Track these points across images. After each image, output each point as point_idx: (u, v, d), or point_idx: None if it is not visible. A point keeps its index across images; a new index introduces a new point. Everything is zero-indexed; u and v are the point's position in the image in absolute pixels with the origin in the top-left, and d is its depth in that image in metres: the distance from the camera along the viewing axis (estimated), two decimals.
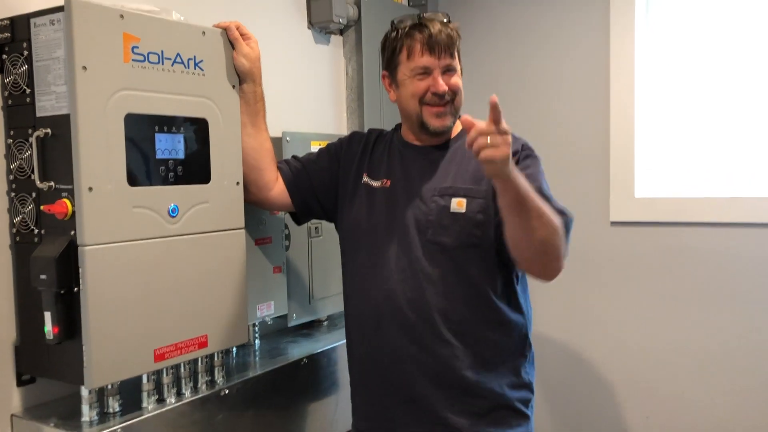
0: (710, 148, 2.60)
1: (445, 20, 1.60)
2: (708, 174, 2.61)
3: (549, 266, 1.50)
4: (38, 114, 1.37)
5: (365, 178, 1.69)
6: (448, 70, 1.59)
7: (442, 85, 1.57)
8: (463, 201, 1.57)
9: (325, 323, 2.20)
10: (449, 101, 1.60)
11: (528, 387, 1.67)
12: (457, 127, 1.68)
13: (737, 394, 2.49)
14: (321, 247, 2.10)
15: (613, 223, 2.68)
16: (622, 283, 2.69)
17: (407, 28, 1.59)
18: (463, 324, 1.58)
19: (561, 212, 1.49)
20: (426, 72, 1.58)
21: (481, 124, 1.30)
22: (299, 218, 1.83)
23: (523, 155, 1.60)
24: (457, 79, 1.60)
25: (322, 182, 1.75)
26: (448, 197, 1.58)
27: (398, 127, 1.76)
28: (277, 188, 1.73)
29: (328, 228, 2.08)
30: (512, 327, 1.63)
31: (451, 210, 1.57)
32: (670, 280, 2.60)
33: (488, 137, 1.29)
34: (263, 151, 1.70)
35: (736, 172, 2.56)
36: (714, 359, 2.53)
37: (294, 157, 1.81)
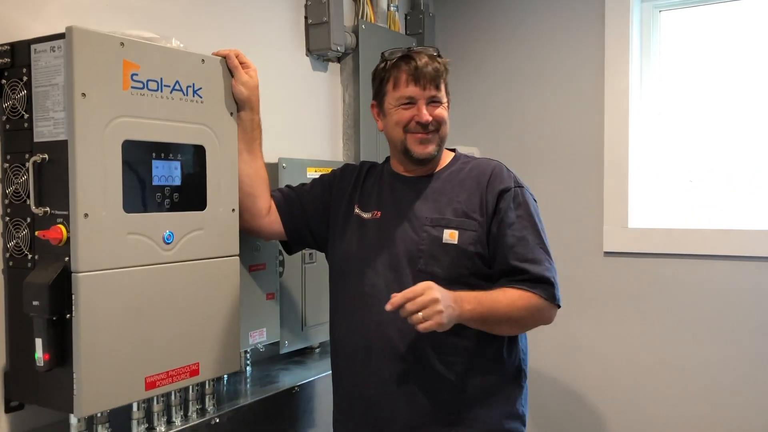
0: (704, 180, 2.63)
1: (434, 54, 1.63)
2: (701, 206, 2.63)
3: (535, 327, 1.62)
4: (36, 139, 1.37)
5: (356, 210, 1.70)
6: (433, 101, 1.61)
7: (426, 115, 1.59)
8: (456, 233, 1.58)
9: (317, 350, 2.19)
10: (433, 131, 1.62)
11: (520, 419, 1.66)
12: (446, 158, 1.71)
13: (727, 425, 2.48)
14: (314, 274, 2.10)
15: (607, 254, 2.69)
16: (616, 313, 2.69)
17: (395, 60, 1.62)
18: (455, 356, 1.57)
19: (544, 281, 1.56)
20: (411, 102, 1.60)
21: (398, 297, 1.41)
22: (291, 247, 1.83)
23: (514, 202, 1.61)
24: (442, 111, 1.63)
25: (314, 212, 1.76)
26: (440, 228, 1.59)
27: (388, 159, 1.77)
28: (270, 216, 1.73)
29: (322, 255, 2.07)
30: (506, 358, 1.62)
31: (443, 241, 1.58)
32: (663, 310, 2.60)
33: (420, 313, 1.38)
34: (258, 179, 1.70)
35: (730, 205, 2.58)
36: (707, 389, 2.52)
37: (288, 186, 1.82)
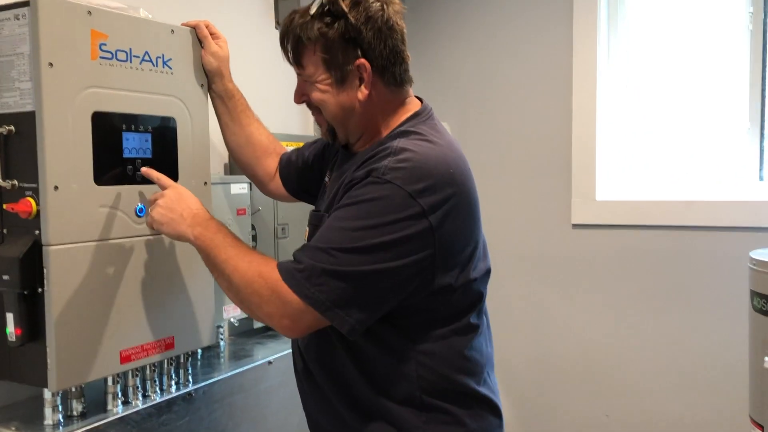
0: (669, 152, 2.69)
1: (294, 18, 1.28)
2: (666, 178, 2.68)
3: (254, 315, 1.27)
4: (1, 111, 1.33)
5: (326, 179, 1.47)
6: (302, 78, 1.33)
7: (295, 95, 1.36)
8: (307, 230, 1.37)
9: None
10: (318, 112, 1.35)
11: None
12: (385, 133, 1.31)
13: (692, 390, 2.56)
14: (288, 248, 2.09)
15: (575, 226, 2.74)
16: (583, 284, 2.74)
17: None
18: (320, 360, 1.34)
19: (296, 259, 1.20)
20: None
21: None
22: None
23: (355, 191, 1.19)
24: (314, 93, 1.30)
25: (308, 172, 1.60)
26: (314, 223, 1.35)
27: None
28: (275, 181, 1.66)
29: (295, 229, 2.07)
30: (390, 358, 1.26)
31: (305, 238, 1.38)
32: (629, 281, 2.66)
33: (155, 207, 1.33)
34: (249, 147, 1.65)
35: (693, 176, 2.65)
36: (670, 358, 2.60)
37: (297, 147, 1.70)
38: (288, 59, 1.33)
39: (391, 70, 1.28)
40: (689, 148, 2.66)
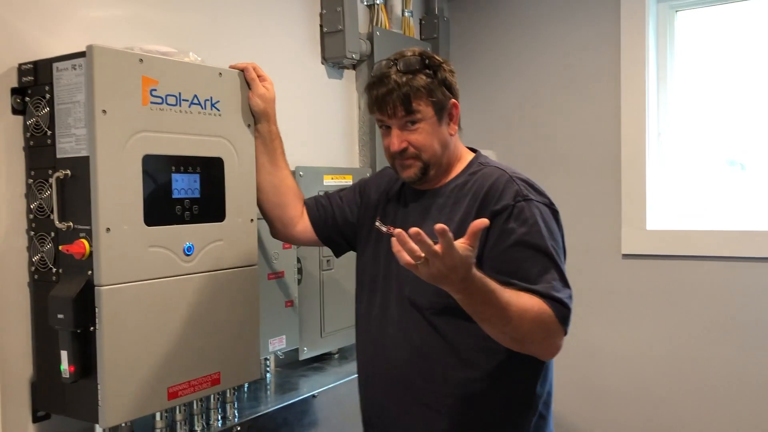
0: (723, 180, 2.61)
1: (410, 67, 1.46)
2: (720, 207, 2.61)
3: (535, 352, 1.39)
4: (58, 155, 1.40)
5: (377, 222, 1.55)
6: (406, 125, 1.47)
7: (394, 144, 1.47)
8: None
9: (336, 356, 2.21)
10: (412, 157, 1.48)
11: None
12: (460, 165, 1.55)
13: (751, 427, 2.46)
14: (333, 281, 2.11)
15: (625, 256, 2.68)
16: (634, 316, 2.68)
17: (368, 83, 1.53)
18: (446, 387, 1.46)
19: (556, 300, 1.34)
20: (387, 126, 1.50)
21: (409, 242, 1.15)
22: (334, 252, 1.77)
23: (515, 221, 1.39)
24: (417, 136, 1.46)
25: (345, 218, 1.69)
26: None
27: None
28: (302, 224, 1.70)
29: (339, 262, 2.09)
30: (506, 388, 1.46)
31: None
32: (681, 313, 2.58)
33: (425, 256, 1.15)
34: (284, 188, 1.69)
35: (749, 205, 2.56)
36: (725, 393, 2.51)
37: (325, 193, 1.77)
38: (386, 112, 1.47)
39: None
40: (746, 176, 2.58)
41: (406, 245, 1.14)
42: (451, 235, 1.12)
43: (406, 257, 1.15)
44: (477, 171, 1.52)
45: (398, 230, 1.15)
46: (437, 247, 1.13)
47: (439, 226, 1.11)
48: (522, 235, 1.39)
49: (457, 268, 1.16)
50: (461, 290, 1.21)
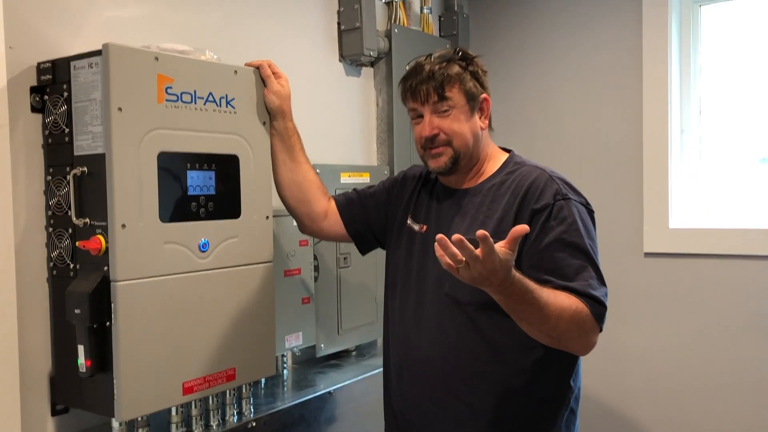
0: (746, 177, 2.56)
1: (446, 58, 1.51)
2: (744, 205, 2.56)
3: (571, 349, 1.43)
4: (76, 153, 1.42)
5: (409, 221, 1.62)
6: (438, 112, 1.51)
7: (425, 130, 1.50)
8: None
9: (354, 353, 2.21)
10: (444, 144, 1.51)
11: None
12: (495, 164, 1.58)
13: None
14: (349, 278, 2.12)
15: (647, 254, 2.64)
16: (657, 315, 2.64)
17: (405, 74, 1.57)
18: (482, 383, 1.49)
19: (592, 298, 1.37)
20: (419, 115, 1.54)
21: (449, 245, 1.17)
22: (360, 249, 1.79)
23: (554, 219, 1.43)
24: (449, 122, 1.50)
25: (376, 215, 1.71)
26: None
27: None
28: (330, 218, 1.71)
29: (356, 258, 2.10)
30: (541, 384, 1.50)
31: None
32: (704, 312, 2.54)
33: (466, 260, 1.17)
34: (307, 183, 1.70)
35: None
36: (749, 392, 2.46)
37: (354, 189, 1.78)
38: (419, 98, 1.51)
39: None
40: None
41: (448, 249, 1.17)
42: (491, 240, 1.15)
43: (447, 260, 1.18)
44: (515, 170, 1.54)
45: (440, 235, 1.17)
46: (478, 252, 1.15)
47: (480, 232, 1.14)
48: (561, 234, 1.42)
49: (497, 272, 1.18)
50: (500, 291, 1.24)
